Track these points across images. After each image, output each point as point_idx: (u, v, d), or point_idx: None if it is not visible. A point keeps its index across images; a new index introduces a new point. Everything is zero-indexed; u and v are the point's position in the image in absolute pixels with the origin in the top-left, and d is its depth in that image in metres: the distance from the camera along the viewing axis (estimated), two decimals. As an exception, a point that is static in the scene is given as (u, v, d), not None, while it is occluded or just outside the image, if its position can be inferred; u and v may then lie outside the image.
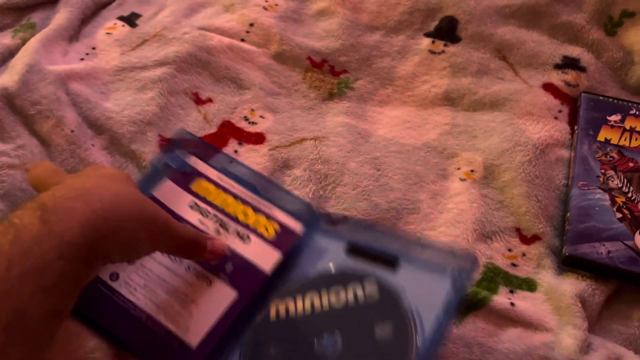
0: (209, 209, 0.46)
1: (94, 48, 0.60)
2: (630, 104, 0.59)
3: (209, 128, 0.56)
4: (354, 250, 0.44)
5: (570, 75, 0.61)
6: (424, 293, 0.40)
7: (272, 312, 0.42)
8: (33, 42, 0.57)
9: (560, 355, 0.44)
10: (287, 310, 0.41)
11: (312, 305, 0.41)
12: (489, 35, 0.63)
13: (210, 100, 0.58)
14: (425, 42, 0.64)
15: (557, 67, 0.62)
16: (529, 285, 0.49)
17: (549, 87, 0.60)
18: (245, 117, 0.58)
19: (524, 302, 0.47)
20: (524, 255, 0.50)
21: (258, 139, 0.56)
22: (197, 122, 0.56)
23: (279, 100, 0.60)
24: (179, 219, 0.45)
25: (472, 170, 0.55)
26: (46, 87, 0.53)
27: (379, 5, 0.66)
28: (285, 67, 0.62)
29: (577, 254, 0.49)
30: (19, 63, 0.54)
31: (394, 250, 0.43)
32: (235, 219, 0.46)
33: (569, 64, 0.62)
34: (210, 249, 0.42)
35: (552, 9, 0.65)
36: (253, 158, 0.54)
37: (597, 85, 0.62)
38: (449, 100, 0.60)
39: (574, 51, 0.63)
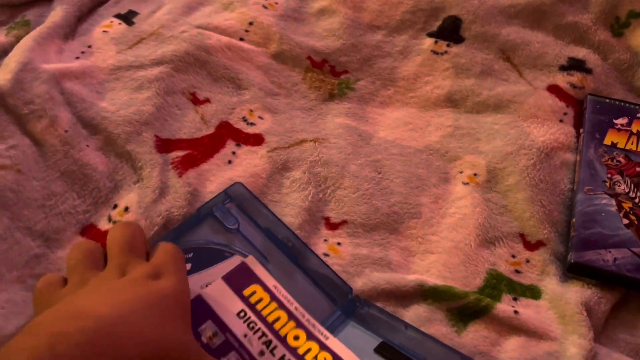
0: (258, 322, 0.41)
1: (89, 46, 0.59)
2: (637, 107, 0.58)
3: (206, 129, 0.55)
4: (385, 350, 0.41)
5: (576, 77, 0.60)
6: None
7: None
8: (27, 40, 0.55)
9: (565, 365, 0.43)
10: None
11: None
12: (493, 35, 0.62)
13: (208, 100, 0.57)
14: (428, 42, 0.63)
15: (563, 68, 0.61)
16: (533, 292, 0.47)
17: (554, 89, 0.59)
18: (243, 117, 0.56)
19: (528, 310, 0.46)
20: (528, 261, 0.49)
21: (256, 140, 0.55)
22: (194, 123, 0.55)
23: (278, 101, 0.58)
24: (224, 327, 0.40)
25: (475, 174, 0.54)
26: (40, 86, 0.52)
27: (381, 5, 0.65)
28: (285, 67, 0.61)
29: (582, 261, 0.47)
30: (12, 61, 0.53)
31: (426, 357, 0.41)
32: (284, 341, 0.40)
33: (575, 65, 0.61)
34: None
35: (557, 9, 0.63)
36: (251, 160, 0.53)
37: (604, 87, 0.60)
38: (452, 101, 0.59)
39: (580, 52, 0.62)
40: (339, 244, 0.49)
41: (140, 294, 0.35)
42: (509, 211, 0.52)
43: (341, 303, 0.45)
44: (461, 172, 0.54)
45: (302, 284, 0.46)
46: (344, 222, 0.50)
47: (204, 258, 0.45)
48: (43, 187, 0.48)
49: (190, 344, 0.36)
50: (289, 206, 0.51)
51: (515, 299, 0.47)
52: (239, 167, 0.53)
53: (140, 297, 0.35)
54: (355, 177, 0.53)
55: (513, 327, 0.45)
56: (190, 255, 0.45)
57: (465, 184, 0.53)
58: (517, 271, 0.49)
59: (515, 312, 0.45)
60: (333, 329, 0.44)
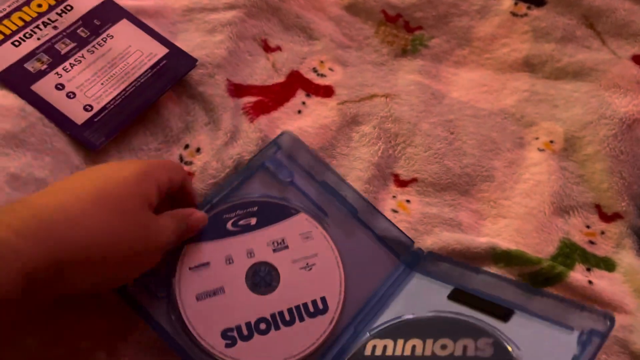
0: None
1: (162, -14, 0.58)
2: None
3: (277, 77, 0.54)
4: (460, 296, 0.40)
5: (663, 49, 0.57)
6: (544, 352, 0.35)
7: (368, 348, 0.39)
8: (103, -25, 0.55)
9: (639, 339, 0.42)
10: (384, 349, 0.38)
11: (414, 350, 0.37)
12: (576, 0, 0.59)
13: (279, 48, 0.56)
14: (507, 3, 0.60)
15: (649, 38, 0.58)
16: (607, 264, 0.46)
17: (639, 59, 0.56)
18: (314, 68, 0.55)
19: (602, 282, 0.45)
20: (603, 233, 0.48)
21: (327, 92, 0.54)
22: (265, 70, 0.54)
23: (349, 54, 0.57)
24: None
25: (551, 141, 0.52)
26: (116, 21, 0.51)
27: (460, -39, 0.62)
28: (358, 20, 0.59)
29: (662, 237, 0.46)
30: (89, -5, 0.52)
31: (507, 300, 0.38)
32: None
33: (662, 36, 0.58)
34: (191, 226, 0.41)
35: (646, -24, 0.60)
36: (321, 111, 0.52)
37: (691, 61, 0.57)
38: (529, 66, 0.57)
39: (668, 23, 0.59)
40: (408, 201, 0.48)
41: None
42: (585, 181, 0.50)
43: (404, 256, 0.44)
44: (537, 139, 0.52)
45: (363, 239, 0.45)
46: (414, 180, 0.50)
47: (266, 213, 0.44)
48: (117, 121, 0.48)
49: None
50: (358, 160, 0.50)
51: (588, 270, 0.46)
52: (308, 117, 0.52)
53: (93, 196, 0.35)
54: (427, 136, 0.51)
55: (586, 296, 0.44)
56: (255, 209, 0.44)
57: (540, 150, 0.51)
58: (591, 242, 0.47)
59: (590, 282, 0.44)
60: (399, 283, 0.43)
